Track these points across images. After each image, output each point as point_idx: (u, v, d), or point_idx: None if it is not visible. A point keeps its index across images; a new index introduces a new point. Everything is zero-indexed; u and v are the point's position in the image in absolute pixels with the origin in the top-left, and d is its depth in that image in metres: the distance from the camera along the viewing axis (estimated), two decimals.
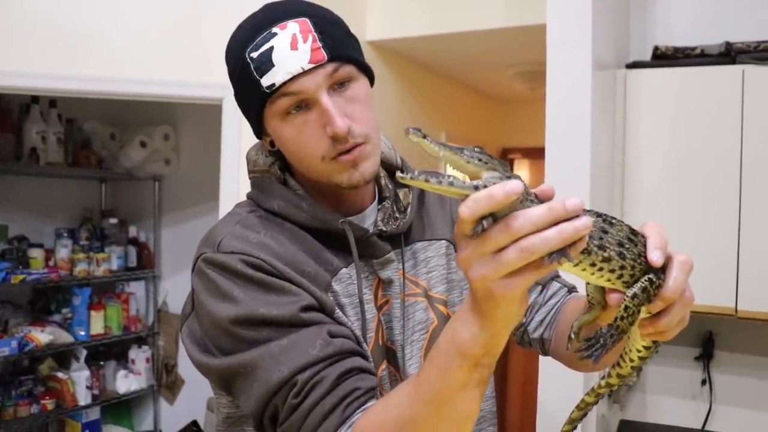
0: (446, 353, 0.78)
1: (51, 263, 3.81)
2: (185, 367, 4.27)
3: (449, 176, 0.68)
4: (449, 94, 4.36)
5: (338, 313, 1.01)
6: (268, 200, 1.09)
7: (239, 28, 1.06)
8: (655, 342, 0.85)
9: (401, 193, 1.19)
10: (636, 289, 0.76)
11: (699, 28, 2.43)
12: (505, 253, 0.67)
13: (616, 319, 0.78)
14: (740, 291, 2.11)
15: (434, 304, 1.16)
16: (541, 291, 1.28)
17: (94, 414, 3.92)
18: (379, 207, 1.16)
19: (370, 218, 1.14)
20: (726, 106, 2.14)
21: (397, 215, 1.15)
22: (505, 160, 6.46)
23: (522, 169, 6.20)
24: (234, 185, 2.69)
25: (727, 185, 2.13)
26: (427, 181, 0.67)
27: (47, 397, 3.62)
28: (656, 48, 2.34)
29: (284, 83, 0.98)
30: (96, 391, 3.91)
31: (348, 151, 1.01)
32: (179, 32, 2.75)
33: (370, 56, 3.21)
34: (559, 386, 2.03)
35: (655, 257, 0.76)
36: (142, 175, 4.19)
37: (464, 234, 0.69)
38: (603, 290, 0.85)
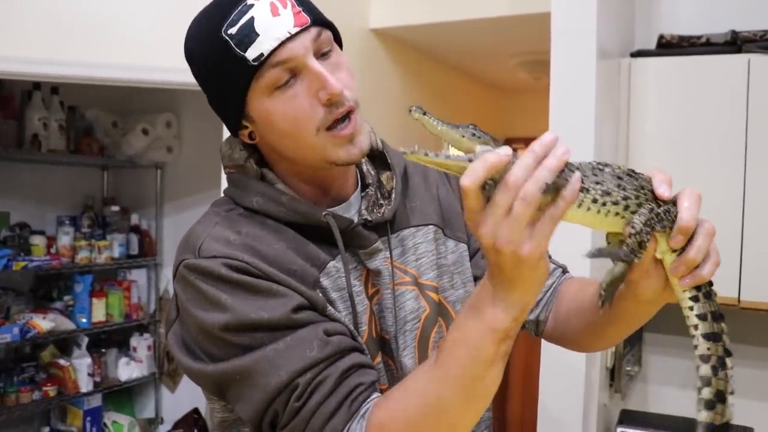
0: (476, 332, 0.81)
1: (53, 250, 3.81)
2: None
3: (446, 152, 0.75)
4: (453, 83, 4.35)
5: (330, 309, 0.99)
6: (246, 197, 1.05)
7: (204, 12, 1.02)
8: (699, 290, 0.86)
9: (384, 178, 1.15)
10: (644, 208, 0.81)
11: (704, 16, 2.41)
12: (514, 209, 0.73)
13: (628, 237, 0.80)
14: (743, 282, 2.10)
15: (425, 291, 1.13)
16: None
17: (96, 401, 3.92)
18: (363, 195, 1.12)
19: (354, 207, 1.11)
20: (731, 95, 2.13)
21: (382, 201, 1.12)
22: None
23: None
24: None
25: (731, 174, 2.12)
26: (426, 155, 0.75)
27: (49, 384, 3.63)
28: (661, 36, 2.32)
29: (272, 52, 0.94)
30: (98, 379, 3.92)
31: (344, 123, 0.98)
32: (181, 18, 2.73)
33: (373, 44, 3.19)
34: (560, 382, 2.03)
35: (663, 190, 0.82)
36: (144, 163, 4.18)
37: (474, 209, 0.75)
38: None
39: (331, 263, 1.03)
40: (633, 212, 0.80)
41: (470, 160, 0.74)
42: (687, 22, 2.42)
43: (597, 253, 0.82)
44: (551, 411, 2.07)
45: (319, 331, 0.93)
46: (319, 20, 0.99)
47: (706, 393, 0.84)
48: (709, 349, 0.85)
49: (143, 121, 4.05)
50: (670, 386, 2.50)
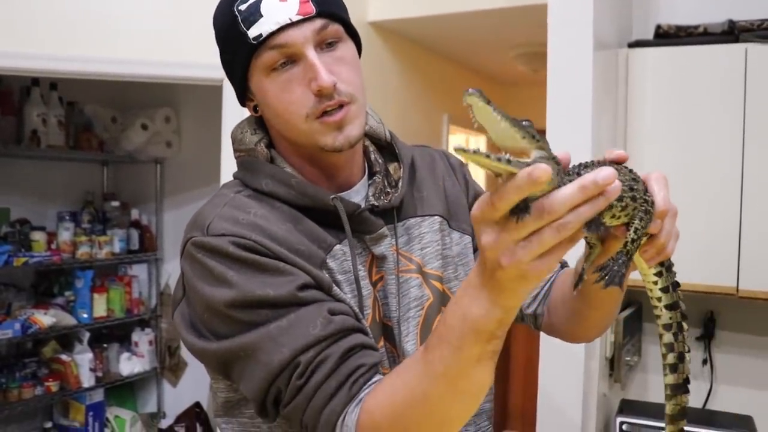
0: (459, 331, 0.78)
1: (53, 246, 3.81)
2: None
3: (507, 155, 0.65)
4: (451, 75, 4.35)
5: (336, 289, 1.00)
6: (255, 179, 1.06)
7: None
8: (662, 265, 0.90)
9: (392, 168, 1.17)
10: (641, 212, 0.80)
11: (702, 6, 2.41)
12: (542, 234, 0.67)
13: (625, 244, 0.80)
14: (741, 271, 2.11)
15: (429, 280, 1.14)
16: None
17: (98, 396, 3.94)
18: (370, 182, 1.14)
19: (360, 193, 1.12)
20: (729, 85, 2.13)
21: (389, 189, 1.14)
22: None
23: None
24: (235, 167, 2.69)
25: (729, 165, 2.13)
26: (488, 157, 0.64)
27: (51, 379, 3.65)
28: (658, 27, 2.32)
29: (271, 34, 0.97)
30: (99, 374, 3.93)
31: (333, 111, 0.99)
32: (180, 13, 2.74)
33: (371, 37, 3.20)
34: (560, 372, 2.04)
35: (663, 208, 0.83)
36: (144, 158, 4.19)
37: (493, 220, 0.68)
38: None
39: (338, 246, 1.04)
40: (627, 215, 0.80)
41: (528, 165, 0.64)
42: (684, 12, 2.42)
43: (608, 275, 0.81)
44: (551, 401, 2.07)
45: (323, 309, 0.93)
46: (328, 12, 1.00)
47: (671, 358, 0.92)
48: (671, 318, 0.91)
49: (142, 117, 4.05)
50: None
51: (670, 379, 0.93)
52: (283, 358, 0.90)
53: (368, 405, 0.87)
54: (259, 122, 1.13)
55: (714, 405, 2.42)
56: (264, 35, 0.97)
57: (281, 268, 0.95)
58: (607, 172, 0.65)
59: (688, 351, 0.93)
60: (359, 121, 1.04)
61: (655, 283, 0.91)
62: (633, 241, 0.80)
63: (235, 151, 1.14)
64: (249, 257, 0.94)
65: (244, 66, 1.02)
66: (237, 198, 1.04)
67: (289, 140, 1.06)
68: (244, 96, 1.08)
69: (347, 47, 1.04)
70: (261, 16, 0.97)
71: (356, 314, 1.01)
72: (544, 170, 0.62)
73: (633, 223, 0.80)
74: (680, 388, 0.94)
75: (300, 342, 0.90)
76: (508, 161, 0.64)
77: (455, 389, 0.82)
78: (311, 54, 0.98)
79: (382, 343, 1.07)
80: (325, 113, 0.99)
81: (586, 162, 0.79)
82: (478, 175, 2.33)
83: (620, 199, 0.76)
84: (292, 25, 0.97)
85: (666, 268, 0.91)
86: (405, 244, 1.14)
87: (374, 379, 0.92)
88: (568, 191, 0.65)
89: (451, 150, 0.66)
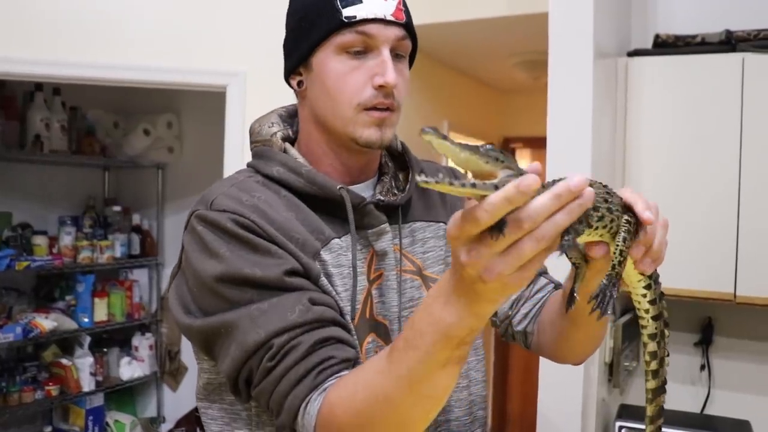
0: (429, 337, 0.77)
1: (55, 250, 3.83)
2: (188, 354, 4.29)
3: (470, 179, 0.66)
4: (451, 83, 4.37)
5: (323, 281, 1.02)
6: (267, 166, 1.10)
7: None
8: (650, 278, 0.91)
9: (401, 175, 1.22)
10: (623, 233, 0.81)
11: (700, 16, 2.44)
12: (520, 246, 0.66)
13: (613, 266, 0.82)
14: (739, 277, 2.12)
15: (429, 283, 1.15)
16: (528, 285, 1.26)
17: (98, 400, 3.95)
18: (378, 181, 1.18)
19: (368, 191, 1.15)
20: (726, 94, 2.15)
21: (395, 191, 1.17)
22: (506, 149, 6.43)
23: (523, 158, 6.20)
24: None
25: (726, 172, 2.15)
26: (451, 184, 0.64)
27: (51, 384, 3.65)
28: (657, 36, 2.35)
29: (363, 20, 1.03)
30: (100, 378, 3.94)
31: (383, 109, 1.05)
32: (183, 19, 2.76)
33: None
34: (559, 377, 2.05)
35: (648, 216, 0.82)
36: (146, 163, 4.21)
37: (471, 236, 0.67)
38: (579, 249, 0.89)
39: (336, 240, 1.06)
40: (612, 232, 0.81)
41: (496, 186, 0.64)
42: (682, 22, 2.44)
43: (600, 303, 0.82)
44: (550, 406, 2.09)
45: (305, 297, 0.95)
46: (411, 29, 1.10)
47: (654, 365, 0.96)
48: (656, 327, 0.94)
49: (144, 122, 4.08)
50: (668, 381, 2.52)
51: (652, 384, 0.97)
52: (258, 338, 0.92)
53: (330, 397, 0.88)
54: (280, 118, 1.18)
55: (712, 410, 2.43)
56: (357, 18, 1.03)
57: (272, 251, 0.98)
58: (579, 178, 0.66)
59: (668, 355, 0.97)
60: (393, 130, 1.09)
61: (644, 296, 0.92)
62: (620, 263, 0.81)
63: (251, 143, 1.18)
64: (244, 235, 0.98)
65: (319, 39, 1.06)
66: (246, 181, 1.08)
67: (324, 124, 1.10)
68: (294, 69, 1.12)
69: (407, 66, 1.13)
70: (360, 2, 1.03)
71: (341, 309, 1.02)
72: (532, 179, 0.62)
73: (617, 244, 0.81)
74: (660, 390, 0.98)
75: (276, 325, 0.92)
76: (473, 185, 0.65)
77: (418, 393, 0.81)
78: (386, 52, 1.05)
79: (372, 338, 1.08)
80: (374, 108, 1.05)
81: (551, 180, 0.77)
82: None
83: (596, 209, 0.77)
84: (384, 22, 1.04)
85: (654, 280, 0.92)
86: (408, 246, 1.16)
87: (342, 373, 0.92)
88: (543, 200, 0.65)
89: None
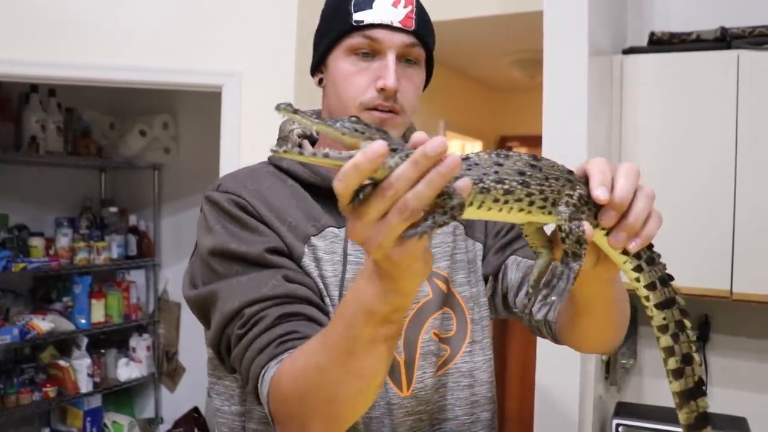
0: (353, 309, 0.78)
1: (51, 252, 3.83)
2: (186, 355, 4.30)
3: (324, 149, 0.66)
4: (447, 82, 4.37)
5: (306, 263, 1.07)
6: (390, 142, 1.11)
7: None
8: (639, 258, 0.80)
9: None
10: (563, 206, 0.75)
11: (695, 13, 2.45)
12: (388, 217, 0.66)
13: (563, 243, 0.75)
14: (735, 274, 2.13)
15: (432, 278, 1.16)
16: None
17: (96, 401, 3.94)
18: None
19: None
20: (721, 91, 2.16)
21: None
22: (503, 148, 6.39)
23: None
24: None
25: (722, 168, 2.16)
26: (301, 153, 0.65)
27: (49, 385, 3.65)
28: (652, 33, 2.35)
29: (370, 25, 1.08)
30: (97, 379, 3.94)
31: (385, 110, 1.09)
32: (179, 20, 2.76)
33: None
34: (556, 375, 2.06)
35: (600, 193, 0.75)
36: (142, 164, 4.20)
37: (347, 210, 0.68)
38: (542, 234, 0.83)
39: (332, 229, 1.11)
40: (541, 208, 0.75)
41: (351, 158, 0.64)
42: (677, 19, 2.45)
43: (542, 290, 0.77)
44: (548, 404, 2.09)
45: (280, 274, 1.02)
46: (421, 36, 1.12)
47: (672, 363, 0.82)
48: (665, 318, 0.81)
49: (140, 123, 4.07)
50: (666, 378, 2.53)
51: (676, 386, 0.83)
52: (233, 308, 0.99)
53: (282, 366, 0.91)
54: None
55: (709, 408, 2.43)
56: (364, 23, 1.09)
57: (260, 230, 1.05)
58: (437, 141, 0.63)
59: (696, 351, 0.82)
60: (397, 132, 1.12)
61: (637, 279, 0.81)
62: (565, 240, 0.75)
63: (277, 139, 1.24)
64: (237, 214, 1.06)
65: (334, 40, 1.12)
66: (257, 170, 1.17)
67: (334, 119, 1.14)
68: (317, 67, 1.19)
69: (419, 72, 1.16)
70: (371, 7, 1.09)
71: (320, 291, 1.07)
72: (378, 145, 0.63)
73: (559, 219, 0.75)
74: (692, 393, 0.84)
75: (249, 296, 0.99)
76: (325, 155, 0.65)
77: (345, 367, 0.82)
78: (391, 58, 1.09)
79: None
80: (375, 108, 1.09)
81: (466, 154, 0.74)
82: None
83: (500, 181, 0.72)
84: (391, 28, 1.09)
85: (646, 260, 0.81)
86: None
87: None
88: (402, 167, 0.64)
89: None
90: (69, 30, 2.69)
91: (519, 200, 0.73)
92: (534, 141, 2.37)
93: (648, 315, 0.83)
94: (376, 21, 1.08)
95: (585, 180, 0.79)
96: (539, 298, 0.78)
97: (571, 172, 0.79)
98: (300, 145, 1.13)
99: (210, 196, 1.11)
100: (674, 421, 2.31)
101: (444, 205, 0.66)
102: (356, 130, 0.67)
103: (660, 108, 2.26)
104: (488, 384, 1.22)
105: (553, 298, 0.76)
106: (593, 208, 0.78)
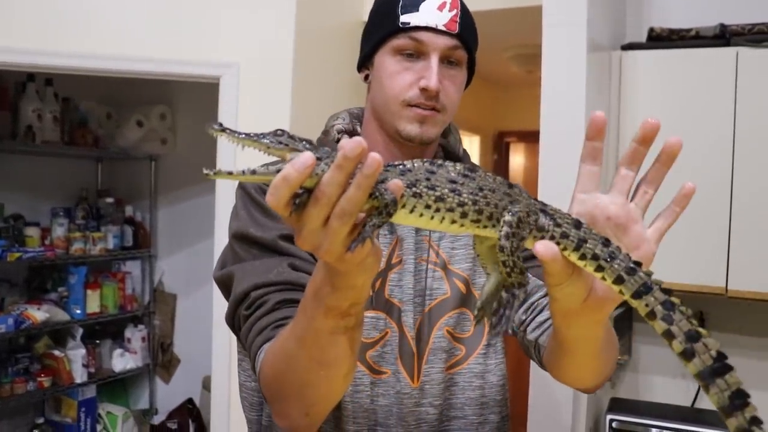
0: (313, 304, 0.80)
1: (47, 242, 3.82)
2: (181, 346, 4.30)
3: (251, 167, 0.67)
4: None
5: None
6: (316, 150, 1.13)
7: None
8: (596, 259, 0.76)
9: None
10: (504, 228, 0.74)
11: (694, 10, 2.44)
12: (330, 223, 0.67)
13: (504, 267, 0.74)
14: (731, 271, 2.13)
15: (452, 278, 1.20)
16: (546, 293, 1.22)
17: (90, 392, 3.95)
18: None
19: None
20: (720, 88, 2.16)
21: None
22: (500, 144, 6.38)
23: (517, 152, 6.20)
24: (231, 165, 2.69)
25: (719, 166, 2.16)
26: (230, 173, 0.66)
27: (43, 375, 3.65)
28: (651, 30, 2.35)
29: (416, 27, 1.13)
30: (92, 369, 3.94)
31: (426, 108, 1.14)
32: (177, 10, 2.74)
33: None
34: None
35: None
36: (139, 155, 4.20)
37: (289, 221, 0.69)
38: (494, 254, 0.79)
39: None
40: (474, 221, 0.73)
41: (279, 171, 0.65)
42: (677, 16, 2.45)
43: (492, 319, 0.76)
44: (542, 399, 2.09)
45: (287, 262, 1.06)
46: (464, 39, 1.16)
47: (677, 346, 0.74)
48: (647, 304, 0.75)
49: (137, 113, 4.06)
50: (660, 375, 2.54)
51: (692, 368, 0.74)
52: (242, 289, 1.05)
53: (266, 350, 0.96)
54: (350, 115, 1.28)
55: (702, 404, 2.44)
56: (410, 24, 1.13)
57: (278, 217, 1.04)
58: (353, 142, 0.64)
59: (696, 325, 0.74)
60: (437, 129, 1.18)
61: (603, 279, 0.76)
62: (505, 263, 0.74)
63: (321, 134, 1.28)
64: (259, 199, 1.13)
65: (381, 39, 1.17)
66: None
67: (377, 115, 1.21)
68: (364, 64, 1.23)
69: (461, 73, 1.20)
70: (417, 10, 1.13)
71: None
72: (305, 156, 0.64)
73: (499, 239, 0.74)
74: (714, 371, 0.75)
75: (256, 280, 1.04)
76: (252, 172, 0.66)
77: (310, 356, 0.85)
78: (434, 60, 1.13)
79: (382, 317, 1.16)
80: (417, 106, 1.14)
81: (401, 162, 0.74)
82: None
83: (432, 187, 0.71)
84: (435, 31, 1.13)
85: (606, 258, 0.76)
86: (437, 239, 1.22)
87: None
88: (328, 173, 0.65)
89: None
90: (66, 19, 2.68)
91: (450, 210, 0.73)
92: (532, 137, 2.37)
93: (635, 308, 0.76)
94: (422, 24, 1.13)
95: (527, 194, 0.78)
96: (490, 329, 0.79)
97: (511, 186, 0.77)
98: (337, 141, 1.21)
99: (242, 184, 1.17)
100: (667, 417, 2.32)
101: (378, 206, 0.68)
102: (281, 143, 0.69)
103: (658, 104, 2.26)
104: (499, 387, 1.25)
105: (504, 327, 0.78)
106: (534, 227, 0.76)
